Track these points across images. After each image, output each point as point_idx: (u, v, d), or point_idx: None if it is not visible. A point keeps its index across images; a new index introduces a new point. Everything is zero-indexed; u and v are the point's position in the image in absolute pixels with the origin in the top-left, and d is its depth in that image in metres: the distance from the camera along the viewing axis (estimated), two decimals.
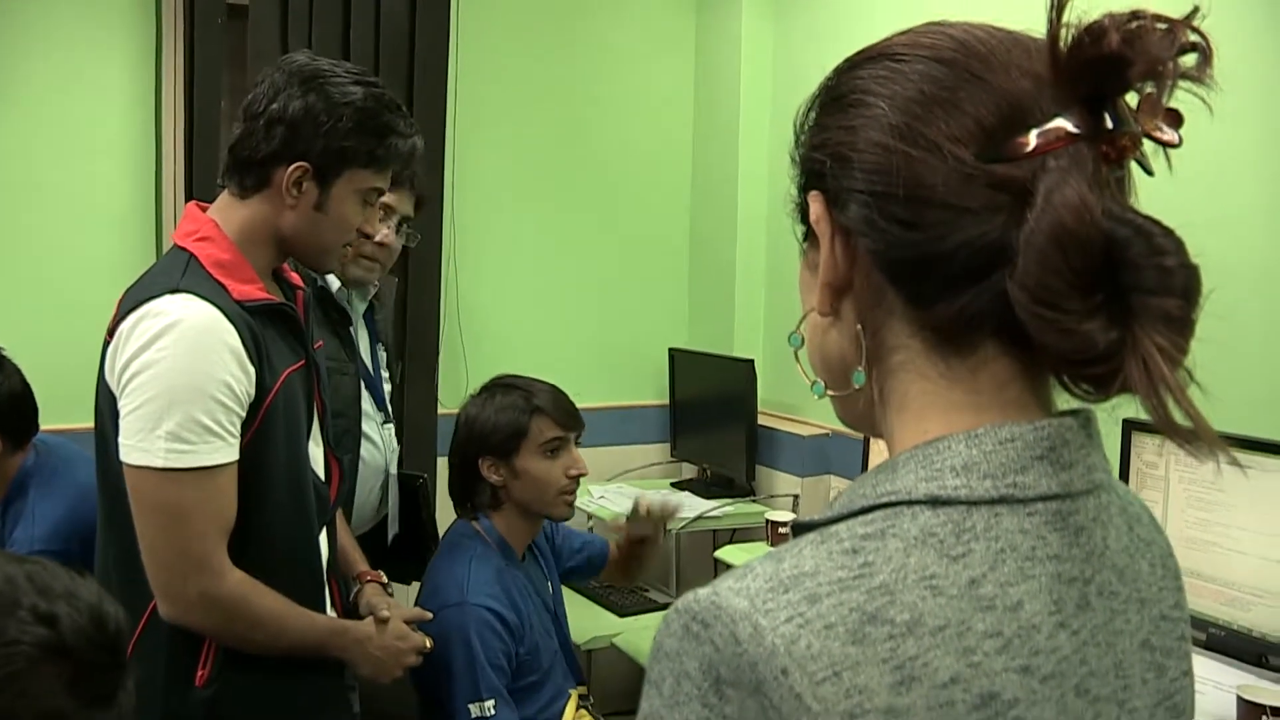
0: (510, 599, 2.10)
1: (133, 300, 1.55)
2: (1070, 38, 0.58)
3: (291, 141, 1.60)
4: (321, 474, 1.76)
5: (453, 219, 3.52)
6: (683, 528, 3.17)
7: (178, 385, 1.49)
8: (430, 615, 1.99)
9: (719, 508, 3.28)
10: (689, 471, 3.81)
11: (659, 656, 0.61)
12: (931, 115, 0.62)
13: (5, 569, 1.00)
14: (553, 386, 2.26)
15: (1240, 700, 1.70)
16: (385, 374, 2.45)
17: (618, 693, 2.92)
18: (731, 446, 3.43)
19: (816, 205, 0.68)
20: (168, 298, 1.52)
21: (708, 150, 3.86)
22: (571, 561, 2.48)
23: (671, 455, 3.83)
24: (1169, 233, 0.57)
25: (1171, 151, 0.60)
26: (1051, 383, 0.65)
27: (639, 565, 2.51)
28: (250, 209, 1.63)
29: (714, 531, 3.40)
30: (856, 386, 0.68)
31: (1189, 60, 0.58)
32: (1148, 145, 0.60)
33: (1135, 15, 0.58)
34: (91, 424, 1.61)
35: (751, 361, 3.39)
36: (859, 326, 0.67)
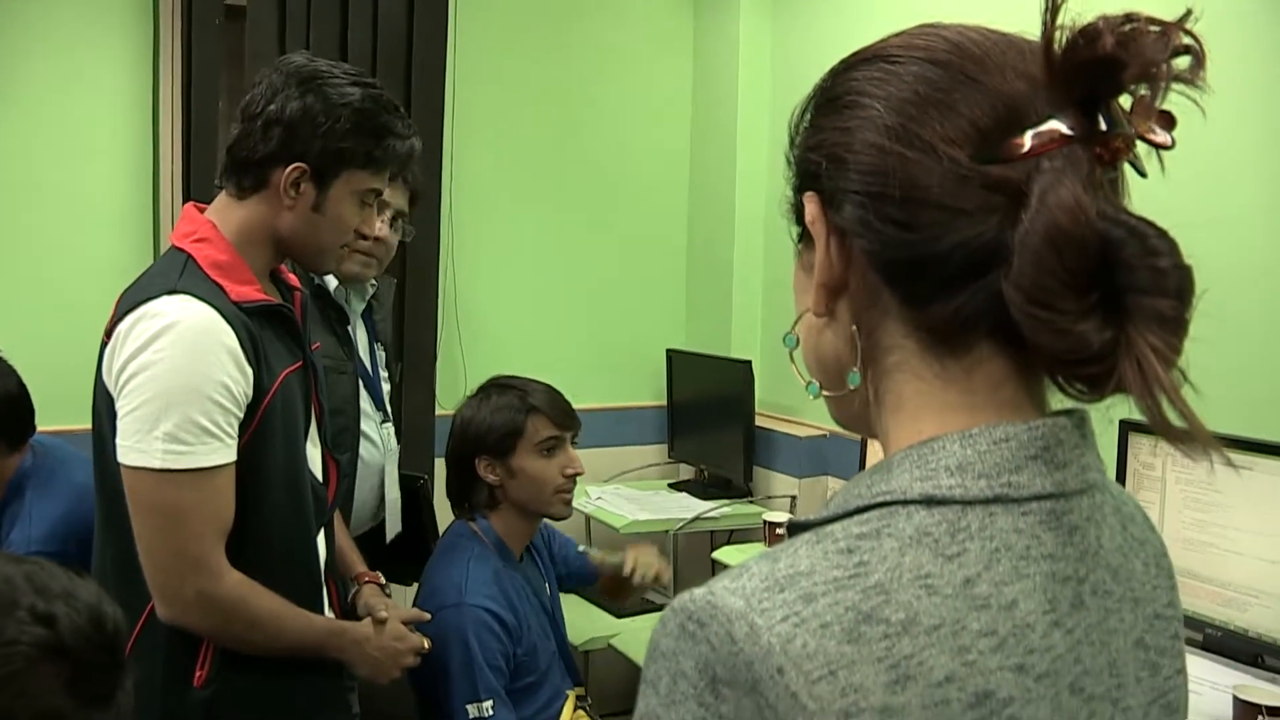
0: (508, 600, 2.10)
1: (130, 301, 1.55)
2: (1065, 40, 0.59)
3: (289, 142, 1.60)
4: (319, 475, 1.76)
5: (450, 220, 3.52)
6: (680, 529, 3.18)
7: (175, 386, 1.49)
8: (428, 616, 1.99)
9: (716, 509, 3.28)
10: (686, 472, 3.81)
11: (655, 656, 0.61)
12: (926, 116, 0.63)
13: (4, 569, 1.00)
14: (549, 386, 2.27)
15: (1236, 700, 1.71)
16: (384, 373, 2.45)
17: (615, 693, 2.92)
18: (729, 447, 3.43)
19: (812, 206, 0.68)
20: (165, 299, 1.52)
21: (705, 151, 3.86)
22: (565, 570, 2.49)
23: (669, 456, 3.83)
24: (1162, 234, 0.58)
25: (1172, 152, 0.60)
26: (1046, 383, 0.65)
27: (625, 597, 2.54)
28: (248, 210, 1.63)
29: (711, 532, 3.40)
30: (852, 387, 0.68)
31: (1182, 63, 0.58)
32: (1141, 147, 0.60)
33: (1129, 18, 0.58)
34: (89, 425, 1.61)
35: (749, 362, 3.39)
36: (854, 327, 0.68)
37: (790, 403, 3.52)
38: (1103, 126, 0.59)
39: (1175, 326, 0.56)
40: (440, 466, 2.31)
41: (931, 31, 0.66)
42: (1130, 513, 0.71)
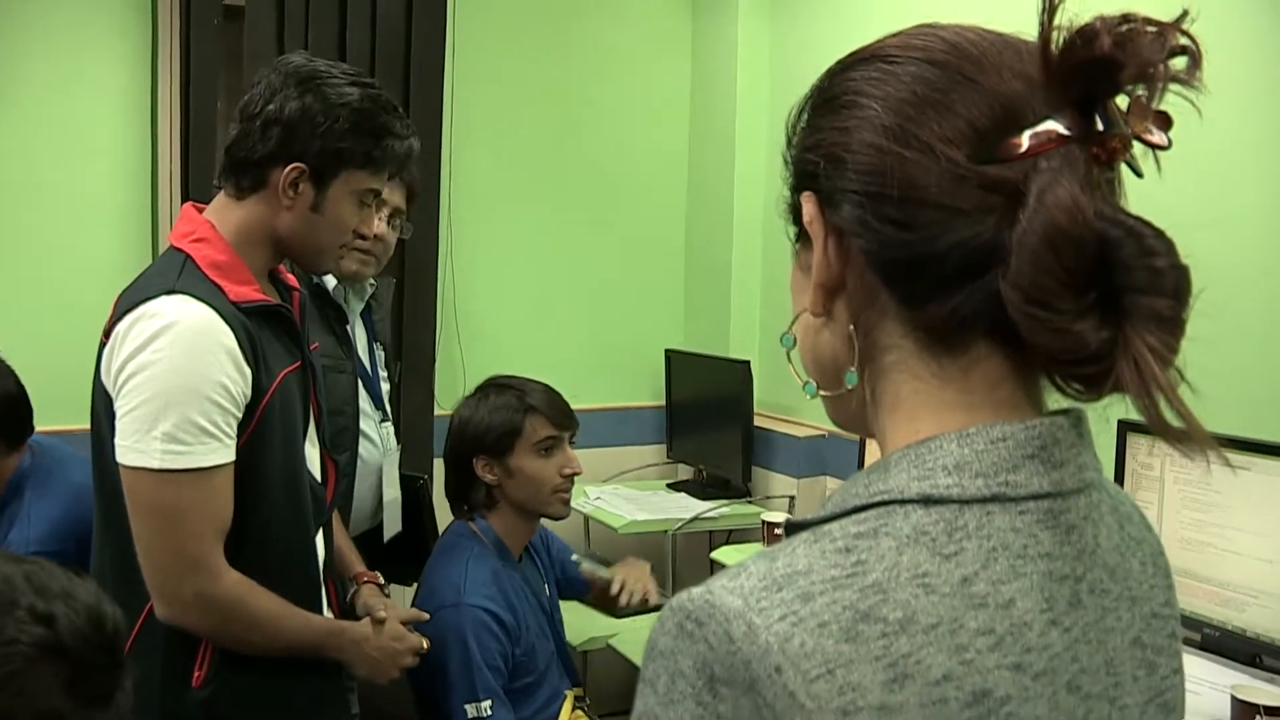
0: (507, 600, 2.11)
1: (129, 301, 1.55)
2: (1062, 40, 0.59)
3: (288, 142, 1.60)
4: (318, 475, 1.76)
5: (449, 221, 3.52)
6: (679, 529, 3.18)
7: (174, 386, 1.49)
8: (427, 616, 1.99)
9: (715, 509, 3.28)
10: (685, 472, 3.81)
11: (653, 655, 0.61)
12: (924, 116, 0.63)
13: (3, 569, 1.00)
14: (547, 386, 2.27)
15: (1234, 700, 1.71)
16: (384, 373, 2.45)
17: (614, 693, 2.92)
18: (727, 448, 3.43)
19: (810, 206, 0.68)
20: (164, 299, 1.52)
21: (704, 152, 3.86)
22: (561, 575, 2.49)
23: (668, 456, 3.83)
24: (1159, 233, 0.58)
25: (1173, 153, 0.60)
26: (1043, 383, 0.65)
27: (616, 610, 2.54)
28: (246, 210, 1.63)
29: (710, 532, 3.41)
30: (849, 387, 0.69)
31: (1179, 63, 0.58)
32: (1138, 147, 0.60)
33: (1126, 18, 0.58)
34: (87, 425, 1.61)
35: (747, 363, 3.39)
36: (851, 327, 0.68)
37: (789, 403, 3.52)
38: (1100, 127, 0.59)
39: (1172, 326, 0.57)
40: (440, 467, 2.32)
41: (929, 32, 0.66)
42: (1127, 512, 0.71)
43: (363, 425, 2.27)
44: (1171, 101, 0.59)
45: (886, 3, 3.08)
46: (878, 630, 0.57)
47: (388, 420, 2.40)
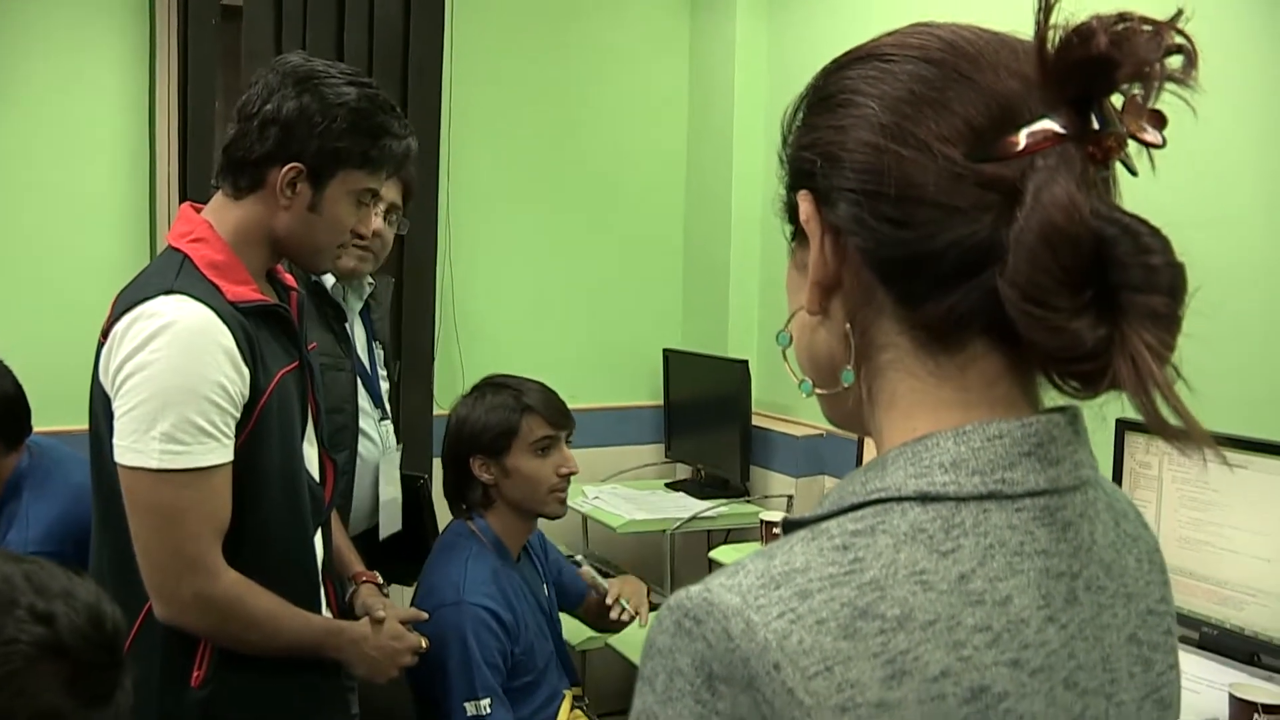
0: (506, 599, 2.11)
1: (127, 301, 1.55)
2: (1058, 39, 0.59)
3: (285, 142, 1.60)
4: (316, 474, 1.76)
5: (448, 220, 3.52)
6: (677, 528, 3.18)
7: (172, 386, 1.49)
8: (426, 615, 1.99)
9: (713, 508, 3.28)
10: (683, 472, 3.81)
11: (651, 653, 0.61)
12: (921, 115, 0.63)
13: (3, 568, 1.00)
14: (543, 385, 2.27)
15: (1233, 698, 1.71)
16: (383, 372, 2.45)
17: (612, 693, 2.93)
18: (726, 447, 3.43)
19: (806, 204, 0.68)
20: (162, 299, 1.52)
21: (702, 151, 3.86)
22: (557, 577, 2.48)
23: (666, 456, 3.84)
24: (1155, 231, 0.58)
25: (1171, 152, 0.60)
26: (1040, 380, 0.66)
27: (602, 624, 2.53)
28: (244, 210, 1.63)
29: (708, 532, 3.41)
30: (845, 385, 0.69)
31: (1175, 62, 0.59)
32: (1133, 146, 0.60)
33: (1122, 17, 0.58)
34: (85, 425, 1.61)
35: (746, 362, 3.40)
36: (848, 325, 0.68)
37: (787, 402, 3.52)
38: (1095, 125, 0.59)
39: (1168, 323, 0.57)
40: (439, 466, 2.32)
41: (925, 30, 0.66)
42: (1123, 509, 0.72)
43: (362, 423, 2.28)
44: (1167, 100, 0.60)
45: (884, 2, 3.08)
46: (875, 627, 0.57)
47: (387, 418, 2.40)
